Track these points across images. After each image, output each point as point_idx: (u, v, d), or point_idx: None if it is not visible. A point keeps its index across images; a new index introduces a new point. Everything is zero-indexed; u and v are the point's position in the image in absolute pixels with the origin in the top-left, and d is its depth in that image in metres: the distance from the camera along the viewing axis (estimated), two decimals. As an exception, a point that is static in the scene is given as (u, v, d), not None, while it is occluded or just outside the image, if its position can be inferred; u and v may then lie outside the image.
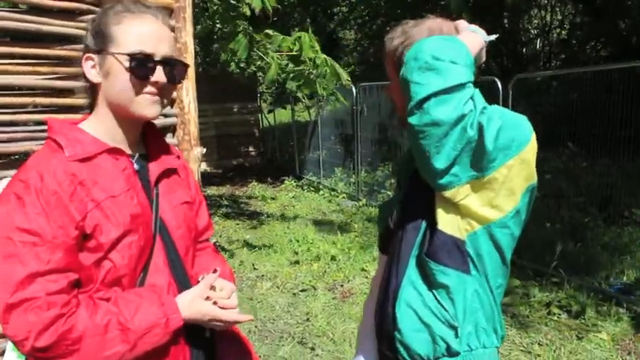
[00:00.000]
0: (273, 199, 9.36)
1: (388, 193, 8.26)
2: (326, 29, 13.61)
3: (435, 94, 1.16)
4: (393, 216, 1.51)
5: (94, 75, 1.20)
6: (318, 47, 5.26)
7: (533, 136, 1.24)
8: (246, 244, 6.49)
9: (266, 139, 14.06)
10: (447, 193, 1.24)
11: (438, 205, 1.30)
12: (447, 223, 1.30)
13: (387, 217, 1.55)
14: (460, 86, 1.17)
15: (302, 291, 4.99)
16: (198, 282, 1.32)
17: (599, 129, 6.05)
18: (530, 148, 1.24)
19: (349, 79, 5.46)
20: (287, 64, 5.41)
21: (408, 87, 1.20)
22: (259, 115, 13.52)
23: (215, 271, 1.30)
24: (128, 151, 1.26)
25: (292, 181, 10.78)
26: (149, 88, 1.20)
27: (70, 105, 1.87)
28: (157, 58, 1.19)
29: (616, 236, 5.84)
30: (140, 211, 1.21)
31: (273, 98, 14.46)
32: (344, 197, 9.22)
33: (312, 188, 10.13)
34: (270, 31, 5.26)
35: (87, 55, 1.20)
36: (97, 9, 1.88)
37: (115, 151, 1.22)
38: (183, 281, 1.30)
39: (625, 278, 4.94)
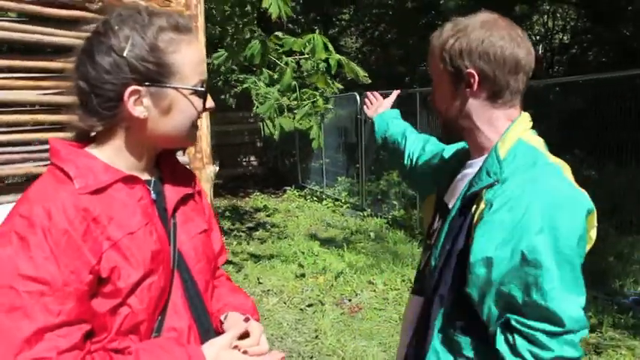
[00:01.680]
0: (276, 209, 9.24)
1: (394, 202, 8.16)
2: (327, 36, 13.58)
3: None
4: (429, 254, 1.35)
5: (140, 111, 1.04)
6: (331, 48, 5.19)
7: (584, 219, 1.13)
8: (251, 256, 6.36)
9: (267, 148, 13.94)
10: None
11: None
12: None
13: (423, 258, 1.42)
14: None
15: (309, 306, 4.85)
16: (221, 322, 1.21)
17: (606, 136, 5.96)
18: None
19: (366, 74, 5.39)
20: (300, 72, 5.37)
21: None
22: (261, 123, 13.42)
23: (247, 320, 1.18)
24: (144, 177, 1.12)
25: (295, 191, 10.68)
26: (201, 116, 1.12)
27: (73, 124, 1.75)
28: (207, 84, 1.11)
29: (629, 245, 5.73)
30: (160, 247, 1.07)
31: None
32: (348, 207, 9.11)
33: (315, 198, 10.02)
34: (280, 34, 5.19)
35: (133, 88, 1.02)
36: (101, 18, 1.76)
37: (130, 180, 1.06)
38: (204, 322, 1.17)
39: (640, 289, 4.82)
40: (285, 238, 7.22)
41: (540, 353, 1.07)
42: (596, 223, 1.17)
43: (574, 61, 12.08)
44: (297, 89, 5.73)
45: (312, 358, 3.91)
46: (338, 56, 5.27)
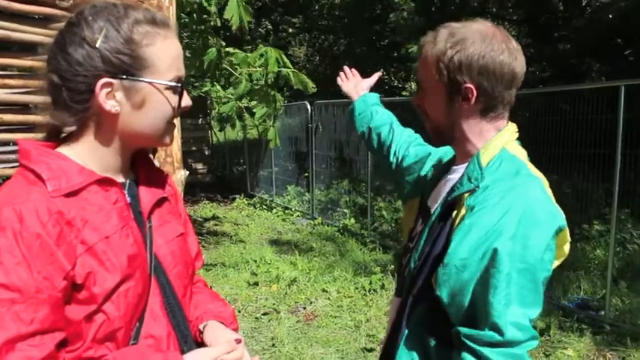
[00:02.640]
0: (225, 217, 9.12)
1: (344, 211, 8.21)
2: (276, 45, 13.59)
3: None
4: (409, 257, 1.35)
5: (111, 105, 1.00)
6: (287, 60, 5.25)
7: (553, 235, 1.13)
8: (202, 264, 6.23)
9: (215, 155, 13.77)
10: None
11: None
12: None
13: (401, 257, 1.43)
14: None
15: (264, 314, 4.81)
16: (200, 330, 1.17)
17: (548, 148, 6.22)
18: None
19: (314, 86, 5.47)
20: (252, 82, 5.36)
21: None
22: (209, 131, 13.25)
23: (238, 341, 1.12)
24: (119, 180, 1.07)
25: (244, 200, 10.58)
26: (176, 115, 1.08)
27: (44, 123, 1.68)
28: (184, 81, 1.07)
29: (571, 252, 5.97)
30: (137, 251, 1.02)
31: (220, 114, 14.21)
32: (298, 216, 9.10)
33: (264, 207, 9.95)
34: (230, 49, 5.19)
35: (105, 80, 0.98)
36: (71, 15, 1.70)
37: (105, 182, 1.02)
38: (183, 329, 1.13)
39: (582, 293, 5.04)
40: (237, 246, 7.14)
41: None
42: (569, 239, 1.19)
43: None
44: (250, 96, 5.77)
45: (269, 366, 3.87)
46: (289, 70, 5.33)
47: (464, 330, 1.11)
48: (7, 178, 1.60)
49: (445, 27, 1.23)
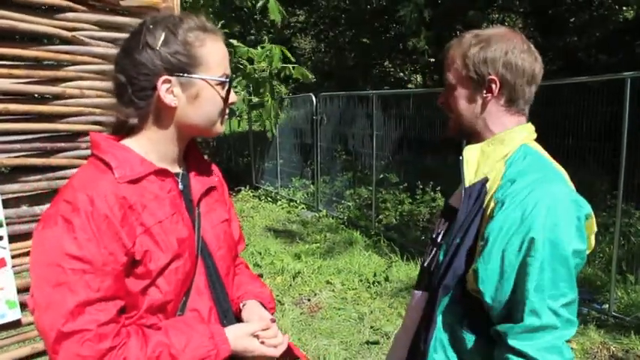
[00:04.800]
0: (230, 209, 9.13)
1: (348, 204, 8.22)
2: (281, 38, 13.57)
3: None
4: (435, 250, 1.41)
5: (170, 99, 1.14)
6: (289, 55, 5.36)
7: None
8: (206, 257, 6.26)
9: (221, 147, 13.78)
10: None
11: None
12: None
13: (428, 255, 1.46)
14: None
15: (268, 306, 4.82)
16: (239, 309, 1.33)
17: (553, 140, 6.19)
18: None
19: (313, 77, 5.64)
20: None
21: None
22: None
23: (273, 321, 1.27)
24: (174, 170, 1.22)
25: (249, 192, 10.59)
26: (226, 108, 1.22)
27: (48, 113, 1.68)
28: (231, 78, 1.21)
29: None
30: (186, 234, 1.18)
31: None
32: (303, 208, 9.12)
33: (269, 199, 9.98)
34: (234, 41, 5.25)
35: (165, 77, 1.12)
36: (76, 6, 1.70)
37: (161, 173, 1.17)
38: (223, 305, 1.28)
39: (587, 286, 5.04)
40: (241, 238, 7.16)
41: None
42: (595, 228, 1.26)
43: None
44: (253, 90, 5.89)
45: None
46: (292, 65, 5.51)
47: (503, 327, 1.17)
48: (10, 167, 1.63)
49: (469, 32, 1.35)
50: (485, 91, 1.32)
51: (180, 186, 1.23)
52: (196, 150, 1.34)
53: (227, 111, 1.24)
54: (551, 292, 1.13)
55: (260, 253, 6.32)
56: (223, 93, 1.19)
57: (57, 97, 1.70)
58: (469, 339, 1.25)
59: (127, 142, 1.19)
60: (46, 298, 1.01)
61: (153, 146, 1.19)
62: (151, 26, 1.14)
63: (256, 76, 5.43)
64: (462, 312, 1.27)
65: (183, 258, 1.16)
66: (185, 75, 1.14)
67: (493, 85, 1.30)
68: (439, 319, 1.29)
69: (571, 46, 10.59)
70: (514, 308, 1.16)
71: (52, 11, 1.66)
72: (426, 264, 1.46)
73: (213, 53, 1.17)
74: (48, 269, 1.02)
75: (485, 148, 1.33)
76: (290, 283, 5.40)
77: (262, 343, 1.22)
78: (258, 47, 5.54)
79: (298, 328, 4.36)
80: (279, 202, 9.58)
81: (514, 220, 1.16)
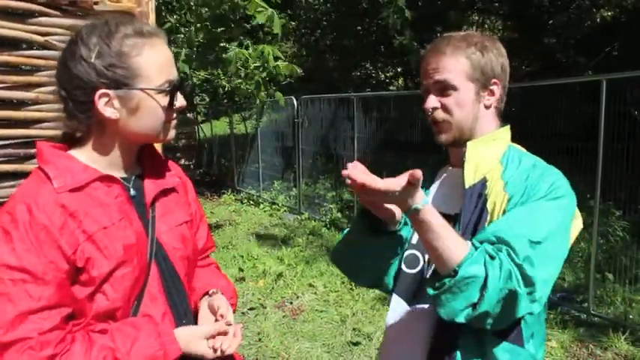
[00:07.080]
0: (212, 213, 9.09)
1: (330, 206, 8.22)
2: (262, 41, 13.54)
3: None
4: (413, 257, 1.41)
5: (110, 112, 1.13)
6: (279, 53, 5.48)
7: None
8: (188, 261, 6.21)
9: (203, 151, 13.72)
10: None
11: None
12: None
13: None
14: None
15: (251, 309, 4.81)
16: (197, 308, 1.31)
17: (531, 141, 6.26)
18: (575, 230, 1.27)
19: (301, 71, 5.78)
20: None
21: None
22: (195, 127, 13.19)
23: (229, 324, 1.24)
24: (124, 175, 1.21)
25: (231, 195, 10.55)
26: (173, 114, 1.20)
27: (21, 119, 1.66)
28: (175, 84, 1.17)
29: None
30: (134, 240, 1.16)
31: (207, 110, 14.18)
32: (285, 211, 9.10)
33: (251, 202, 9.94)
34: (226, 45, 5.32)
35: (102, 91, 1.11)
36: (49, 10, 1.68)
37: (106, 179, 1.16)
38: (180, 309, 1.26)
39: (566, 285, 5.10)
40: (224, 241, 7.13)
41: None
42: (581, 226, 1.31)
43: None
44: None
45: (255, 361, 3.88)
46: (283, 64, 5.55)
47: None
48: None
49: (451, 34, 1.36)
50: (487, 94, 1.35)
51: (132, 191, 1.22)
52: (150, 151, 1.31)
53: (175, 116, 1.21)
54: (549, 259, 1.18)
55: (242, 257, 6.29)
56: (166, 101, 1.16)
57: (31, 102, 1.68)
58: (495, 342, 1.24)
59: (74, 151, 1.18)
60: None
61: (99, 155, 1.18)
62: (85, 36, 1.12)
63: (257, 78, 5.53)
64: None
65: (131, 264, 1.14)
66: (123, 87, 1.11)
67: (495, 88, 1.34)
68: (461, 328, 1.22)
69: (549, 48, 10.72)
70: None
71: (24, 16, 1.64)
72: (428, 275, 1.37)
73: (152, 61, 1.14)
74: None
75: (482, 148, 1.33)
76: (272, 286, 5.38)
77: (214, 350, 1.19)
78: (250, 49, 5.62)
79: (280, 331, 4.35)
80: (262, 206, 9.55)
81: (521, 190, 1.24)
